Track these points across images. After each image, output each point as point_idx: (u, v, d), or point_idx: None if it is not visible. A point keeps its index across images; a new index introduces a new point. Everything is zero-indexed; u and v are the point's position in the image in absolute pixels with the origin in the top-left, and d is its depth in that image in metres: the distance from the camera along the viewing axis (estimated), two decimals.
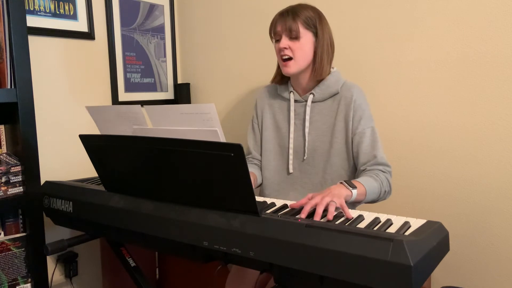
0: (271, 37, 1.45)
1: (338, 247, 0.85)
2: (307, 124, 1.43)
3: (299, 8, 1.38)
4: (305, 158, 1.44)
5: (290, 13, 1.37)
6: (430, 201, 1.61)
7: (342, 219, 1.04)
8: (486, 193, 1.50)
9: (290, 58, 1.38)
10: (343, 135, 1.39)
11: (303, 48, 1.37)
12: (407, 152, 1.64)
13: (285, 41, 1.37)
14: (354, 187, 1.19)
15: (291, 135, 1.46)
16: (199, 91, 2.30)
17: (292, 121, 1.46)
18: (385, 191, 1.31)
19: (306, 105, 1.44)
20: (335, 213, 1.06)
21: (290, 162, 1.46)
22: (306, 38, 1.37)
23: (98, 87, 1.98)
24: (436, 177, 1.59)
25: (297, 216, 1.05)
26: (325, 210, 1.06)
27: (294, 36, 1.36)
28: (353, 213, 1.08)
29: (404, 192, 1.66)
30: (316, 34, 1.38)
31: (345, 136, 1.39)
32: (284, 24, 1.36)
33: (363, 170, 1.34)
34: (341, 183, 1.20)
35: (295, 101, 1.47)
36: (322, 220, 1.03)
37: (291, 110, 1.46)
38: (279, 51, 1.39)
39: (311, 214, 1.06)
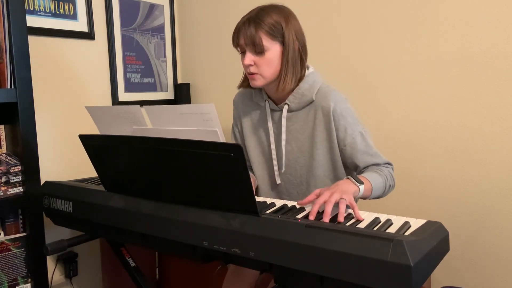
0: (235, 47, 1.30)
1: (338, 247, 0.85)
2: (283, 136, 1.32)
3: (262, 14, 1.22)
4: (282, 171, 1.36)
5: (252, 22, 1.21)
6: (430, 201, 1.61)
7: (353, 220, 1.03)
8: (486, 193, 1.50)
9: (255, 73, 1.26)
10: (325, 145, 1.30)
11: (269, 63, 1.23)
12: (407, 152, 1.64)
13: (250, 57, 1.23)
14: (361, 182, 1.14)
15: (273, 146, 1.36)
16: (199, 91, 2.30)
17: (271, 132, 1.35)
18: (390, 185, 1.26)
19: (281, 115, 1.32)
20: (345, 214, 1.02)
21: (276, 173, 1.38)
22: (273, 50, 1.22)
23: (98, 87, 1.98)
24: (436, 177, 1.59)
25: (297, 216, 1.05)
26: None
27: (258, 51, 1.21)
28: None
29: (404, 192, 1.66)
30: (283, 42, 1.23)
31: (329, 147, 1.30)
32: (247, 36, 1.21)
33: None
34: (348, 178, 1.16)
35: (272, 109, 1.36)
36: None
37: (268, 120, 1.36)
38: (244, 66, 1.26)
39: (319, 213, 1.03)
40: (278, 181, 1.38)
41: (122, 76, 2.06)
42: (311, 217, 1.01)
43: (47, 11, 1.76)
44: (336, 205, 1.04)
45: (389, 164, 1.32)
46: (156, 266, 2.10)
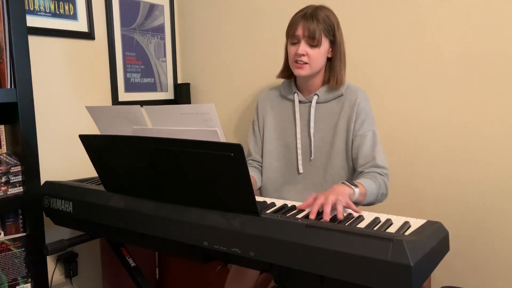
0: (288, 37, 1.41)
1: (338, 247, 0.85)
2: (312, 124, 1.43)
3: (321, 12, 1.36)
4: (311, 158, 1.44)
5: (314, 17, 1.34)
6: (430, 201, 1.61)
7: (352, 220, 1.04)
8: (486, 193, 1.50)
9: (305, 62, 1.37)
10: (344, 135, 1.40)
11: (320, 56, 1.37)
12: (407, 152, 1.64)
13: (304, 47, 1.35)
14: (356, 186, 1.20)
15: (299, 135, 1.45)
16: (199, 91, 2.30)
17: (298, 122, 1.45)
18: (382, 194, 1.32)
19: (310, 106, 1.44)
20: (345, 214, 1.06)
21: (300, 162, 1.45)
22: (324, 46, 1.37)
23: (98, 87, 1.98)
24: (436, 177, 1.59)
25: (297, 216, 1.05)
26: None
27: (315, 44, 1.35)
28: (354, 213, 1.08)
29: (404, 192, 1.66)
30: (332, 42, 1.39)
31: (346, 137, 1.40)
32: (307, 29, 1.34)
33: (361, 172, 1.36)
34: (343, 182, 1.21)
35: (300, 101, 1.46)
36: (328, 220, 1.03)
37: (296, 111, 1.46)
38: (295, 55, 1.37)
39: (319, 214, 1.06)
40: (301, 170, 1.46)
41: (122, 76, 2.06)
42: (312, 217, 1.03)
43: (47, 11, 1.76)
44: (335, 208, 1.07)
45: (385, 169, 1.36)
46: (156, 266, 2.10)
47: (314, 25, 1.33)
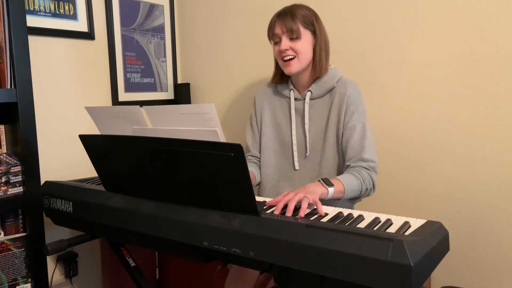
0: (270, 39, 1.46)
1: (338, 247, 0.85)
2: (306, 121, 1.44)
3: (296, 8, 1.39)
4: (307, 155, 1.45)
5: (288, 13, 1.38)
6: (430, 201, 1.61)
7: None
8: (487, 193, 1.50)
9: (292, 58, 1.39)
10: (334, 129, 1.41)
11: (304, 47, 1.38)
12: (407, 151, 1.64)
13: (286, 43, 1.38)
14: (331, 185, 1.21)
15: (294, 132, 1.47)
16: (199, 91, 2.30)
17: (293, 119, 1.47)
18: (367, 189, 1.32)
19: (304, 102, 1.45)
20: (308, 210, 1.09)
21: (295, 159, 1.47)
22: (306, 37, 1.39)
23: (98, 87, 1.98)
24: (436, 177, 1.59)
25: (297, 216, 1.05)
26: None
27: (295, 37, 1.37)
28: (354, 213, 1.09)
29: (404, 192, 1.66)
30: (314, 33, 1.40)
31: (336, 129, 1.41)
32: (284, 25, 1.37)
33: (348, 165, 1.36)
34: (318, 181, 1.23)
35: (295, 98, 1.48)
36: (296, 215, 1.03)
37: (291, 107, 1.47)
38: (280, 53, 1.40)
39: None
40: (297, 167, 1.47)
41: (122, 76, 2.06)
42: (276, 212, 1.07)
43: (47, 11, 1.76)
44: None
45: (372, 162, 1.35)
46: (156, 266, 2.10)
47: (290, 19, 1.37)
